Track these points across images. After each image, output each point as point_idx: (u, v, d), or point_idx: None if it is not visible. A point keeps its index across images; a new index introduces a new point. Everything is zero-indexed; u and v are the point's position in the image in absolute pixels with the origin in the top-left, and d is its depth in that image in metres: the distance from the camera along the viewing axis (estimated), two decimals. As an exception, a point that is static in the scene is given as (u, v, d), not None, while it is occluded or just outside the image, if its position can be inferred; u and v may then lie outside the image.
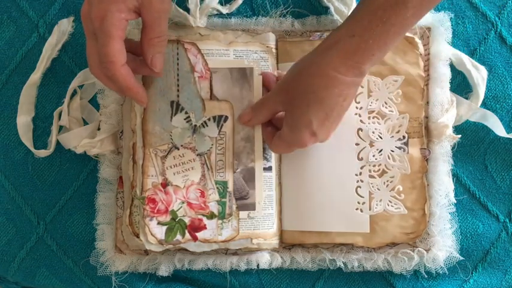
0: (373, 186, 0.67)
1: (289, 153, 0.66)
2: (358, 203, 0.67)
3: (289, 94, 0.59)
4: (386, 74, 0.67)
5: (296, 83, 0.59)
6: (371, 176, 0.67)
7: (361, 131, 0.68)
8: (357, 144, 0.68)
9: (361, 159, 0.67)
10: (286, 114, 0.61)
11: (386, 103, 0.67)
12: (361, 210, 0.67)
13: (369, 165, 0.67)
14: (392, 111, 0.67)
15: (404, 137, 0.67)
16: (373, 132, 0.67)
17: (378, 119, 0.68)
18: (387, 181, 0.67)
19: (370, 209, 0.67)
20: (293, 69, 0.60)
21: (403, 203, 0.67)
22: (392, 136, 0.67)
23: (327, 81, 0.56)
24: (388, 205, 0.67)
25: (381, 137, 0.67)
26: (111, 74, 0.57)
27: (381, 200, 0.67)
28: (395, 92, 0.67)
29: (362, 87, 0.68)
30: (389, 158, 0.67)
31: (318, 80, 0.56)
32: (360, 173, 0.67)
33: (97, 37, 0.56)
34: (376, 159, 0.67)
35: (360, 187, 0.67)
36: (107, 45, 0.55)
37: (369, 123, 0.68)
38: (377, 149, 0.67)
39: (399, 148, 0.67)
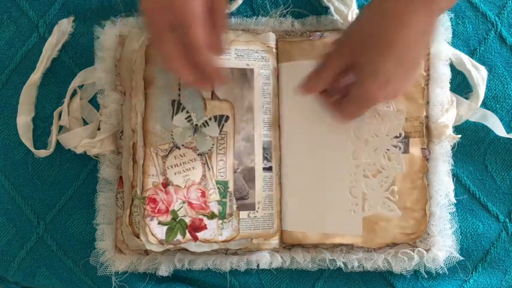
0: (367, 187, 0.67)
1: (358, 117, 0.64)
2: (352, 204, 0.67)
3: (356, 41, 0.57)
4: None
5: (363, 26, 0.57)
6: (365, 176, 0.67)
7: (357, 129, 0.67)
8: (351, 142, 0.67)
9: (356, 158, 0.67)
10: (355, 67, 0.58)
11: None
12: (354, 212, 0.67)
13: (364, 164, 0.67)
14: (389, 107, 0.67)
15: (400, 134, 0.67)
16: (369, 130, 0.67)
17: (375, 116, 0.67)
18: (382, 181, 0.67)
19: (363, 210, 0.67)
20: (358, 16, 0.58)
21: (403, 203, 0.67)
22: (388, 134, 0.67)
23: (400, 21, 0.54)
24: (382, 207, 0.66)
25: (376, 135, 0.67)
26: (204, 58, 0.57)
27: (374, 202, 0.66)
28: None
29: None
30: (384, 157, 0.67)
31: (389, 20, 0.54)
32: (354, 173, 0.67)
33: (179, 27, 0.56)
34: (371, 158, 0.67)
35: (354, 187, 0.67)
36: (196, 31, 0.56)
37: (365, 121, 0.67)
38: (372, 148, 0.67)
39: (395, 146, 0.67)
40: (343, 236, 0.67)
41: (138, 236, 0.65)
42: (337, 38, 0.61)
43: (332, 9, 0.69)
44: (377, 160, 0.67)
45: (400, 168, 0.66)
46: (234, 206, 0.67)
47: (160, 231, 0.65)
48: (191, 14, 0.55)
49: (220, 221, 0.66)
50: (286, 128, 0.69)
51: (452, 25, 0.70)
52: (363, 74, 0.58)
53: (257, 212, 0.67)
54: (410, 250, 0.67)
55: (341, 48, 0.60)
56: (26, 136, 0.71)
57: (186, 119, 0.66)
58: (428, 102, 0.68)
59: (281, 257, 0.68)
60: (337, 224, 0.67)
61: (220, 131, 0.67)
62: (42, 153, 0.70)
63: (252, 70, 0.68)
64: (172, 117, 0.66)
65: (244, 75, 0.68)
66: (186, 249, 0.67)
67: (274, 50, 0.69)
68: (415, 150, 0.67)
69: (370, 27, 0.56)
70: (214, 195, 0.66)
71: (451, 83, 0.69)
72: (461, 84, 0.70)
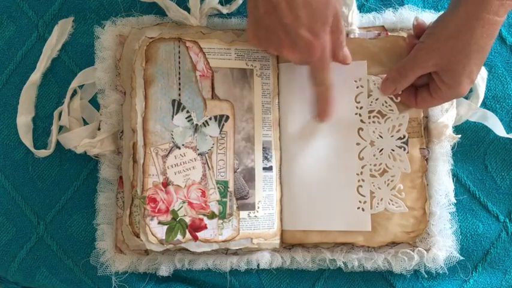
0: (374, 185, 0.67)
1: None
2: (360, 202, 0.67)
3: (445, 52, 0.60)
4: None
5: (453, 39, 0.60)
6: (372, 175, 0.67)
7: (362, 130, 0.68)
8: (357, 143, 0.68)
9: (362, 158, 0.68)
10: (440, 73, 0.61)
11: (386, 102, 0.68)
12: (363, 209, 0.67)
13: (370, 164, 0.67)
14: (392, 110, 0.67)
15: (404, 136, 0.67)
16: (374, 132, 0.67)
17: (378, 118, 0.68)
18: (388, 180, 0.67)
19: (371, 208, 0.67)
20: (443, 27, 0.61)
21: (404, 201, 0.67)
22: (393, 135, 0.67)
23: (488, 28, 0.58)
24: (390, 204, 0.67)
25: (381, 137, 0.67)
26: (344, 53, 0.64)
27: (382, 199, 0.67)
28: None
29: (362, 86, 0.68)
30: (389, 158, 0.67)
31: (480, 30, 0.58)
32: (361, 173, 0.67)
33: (332, 30, 0.60)
34: (376, 158, 0.67)
35: (361, 186, 0.67)
36: (342, 32, 0.61)
37: (369, 123, 0.68)
38: (377, 149, 0.67)
39: (400, 147, 0.67)
40: (345, 235, 0.67)
41: (138, 236, 0.65)
42: (422, 45, 0.62)
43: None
44: (383, 160, 0.67)
45: (406, 167, 0.67)
46: (234, 206, 0.67)
47: (161, 231, 0.65)
48: (340, 16, 0.60)
49: (221, 221, 0.66)
50: (286, 128, 0.69)
51: (452, 25, 0.70)
52: (451, 82, 0.61)
53: (257, 211, 0.67)
54: (411, 250, 0.67)
55: (427, 57, 0.62)
56: (26, 136, 0.71)
57: (186, 118, 0.66)
58: (428, 102, 0.69)
59: (281, 257, 0.68)
60: (345, 222, 0.67)
61: (221, 130, 0.67)
62: (42, 153, 0.70)
63: (252, 70, 0.68)
64: (173, 117, 0.66)
65: (244, 75, 0.68)
66: (186, 249, 0.67)
67: (274, 50, 0.69)
68: (414, 150, 0.67)
69: (458, 39, 0.60)
70: (214, 195, 0.66)
71: (451, 83, 0.69)
72: (461, 84, 0.70)
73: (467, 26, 0.59)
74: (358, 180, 0.68)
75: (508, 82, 0.71)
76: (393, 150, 0.67)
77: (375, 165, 0.68)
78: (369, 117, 0.68)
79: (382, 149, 0.67)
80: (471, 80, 0.61)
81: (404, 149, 0.67)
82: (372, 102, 0.68)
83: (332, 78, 0.63)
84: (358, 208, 0.67)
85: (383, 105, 0.68)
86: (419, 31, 0.65)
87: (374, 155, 0.67)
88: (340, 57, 0.63)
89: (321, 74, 0.63)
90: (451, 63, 0.60)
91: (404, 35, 0.69)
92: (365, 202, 0.67)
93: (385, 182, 0.67)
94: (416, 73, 0.63)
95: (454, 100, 0.69)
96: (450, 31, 0.60)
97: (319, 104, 0.66)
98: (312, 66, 0.63)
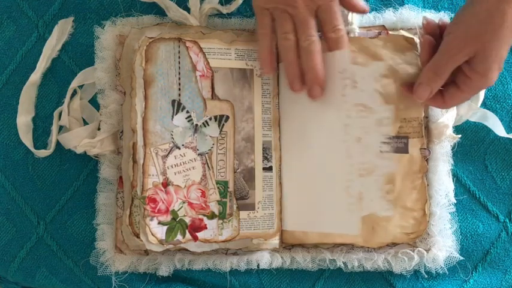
0: (363, 186, 0.67)
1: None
2: (349, 203, 0.67)
3: (479, 37, 0.60)
4: (386, 74, 0.67)
5: (486, 24, 0.59)
6: (361, 175, 0.67)
7: (348, 126, 0.67)
8: (345, 141, 0.67)
9: (350, 157, 0.67)
10: (473, 61, 0.61)
11: (372, 95, 0.67)
12: (351, 211, 0.67)
13: (357, 163, 0.67)
14: (377, 103, 0.67)
15: (399, 136, 0.67)
16: (359, 128, 0.67)
17: (364, 111, 0.67)
18: (376, 180, 0.67)
19: (360, 210, 0.67)
20: (472, 14, 0.61)
21: (403, 202, 0.67)
22: (379, 131, 0.67)
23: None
24: (378, 206, 0.66)
25: (367, 132, 0.67)
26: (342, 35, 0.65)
27: (371, 200, 0.66)
28: (380, 80, 0.67)
29: (348, 78, 0.67)
30: (376, 156, 0.67)
31: (511, 13, 0.58)
32: (350, 172, 0.67)
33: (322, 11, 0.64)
34: (363, 157, 0.67)
35: (350, 187, 0.67)
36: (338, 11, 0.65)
37: (355, 117, 0.67)
38: (364, 146, 0.67)
39: (387, 143, 0.66)
40: (343, 236, 0.67)
41: (138, 236, 0.65)
42: (456, 36, 0.61)
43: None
44: (369, 159, 0.67)
45: (393, 166, 0.66)
46: (234, 206, 0.67)
47: (160, 231, 0.65)
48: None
49: (220, 221, 0.66)
50: (286, 128, 0.69)
51: (452, 25, 0.70)
52: (484, 69, 0.60)
53: (257, 212, 0.67)
54: (411, 250, 0.67)
55: (463, 48, 0.61)
56: (26, 136, 0.71)
57: (186, 119, 0.66)
58: (428, 103, 0.68)
59: (281, 257, 0.68)
60: (335, 224, 0.67)
61: (221, 131, 0.67)
62: (42, 153, 0.70)
63: (252, 70, 0.68)
64: (173, 117, 0.66)
65: (244, 75, 0.68)
66: (186, 249, 0.67)
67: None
68: (414, 150, 0.67)
69: (492, 24, 0.59)
70: (214, 195, 0.66)
71: (451, 83, 0.69)
72: (461, 84, 0.70)
73: (499, 10, 0.58)
74: (347, 181, 0.67)
75: (508, 82, 0.71)
76: (380, 147, 0.67)
77: (362, 164, 0.67)
78: (355, 111, 0.67)
79: (368, 147, 0.66)
80: (500, 66, 0.61)
81: (393, 146, 0.66)
82: (357, 94, 0.67)
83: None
84: (347, 210, 0.67)
85: (369, 97, 0.66)
86: (431, 29, 0.64)
87: (361, 153, 0.67)
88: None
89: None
90: (486, 49, 0.60)
91: (406, 34, 0.69)
92: (353, 203, 0.67)
93: (374, 181, 0.66)
94: (451, 66, 0.62)
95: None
96: (481, 17, 0.59)
97: (307, 74, 0.65)
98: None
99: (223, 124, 0.67)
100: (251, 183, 0.67)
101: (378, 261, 0.67)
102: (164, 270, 0.68)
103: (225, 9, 0.70)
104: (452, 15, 0.70)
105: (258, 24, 0.66)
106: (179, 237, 0.65)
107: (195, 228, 0.65)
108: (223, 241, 0.66)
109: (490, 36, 0.59)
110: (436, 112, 0.68)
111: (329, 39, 0.65)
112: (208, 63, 0.67)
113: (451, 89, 0.63)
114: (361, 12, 0.67)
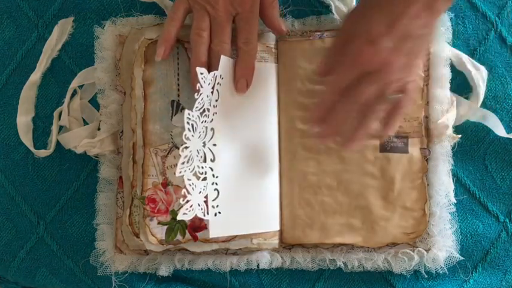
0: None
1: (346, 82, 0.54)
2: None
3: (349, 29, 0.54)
4: None
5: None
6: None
7: None
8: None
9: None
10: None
11: None
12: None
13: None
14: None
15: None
16: None
17: None
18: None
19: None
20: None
21: (403, 202, 0.67)
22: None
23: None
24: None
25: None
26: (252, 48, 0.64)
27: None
28: None
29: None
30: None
31: None
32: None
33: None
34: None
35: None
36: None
37: None
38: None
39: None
40: (343, 236, 0.67)
41: (138, 236, 0.65)
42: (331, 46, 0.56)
43: (333, 7, 0.69)
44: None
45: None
46: (234, 206, 0.66)
47: (160, 231, 0.65)
48: None
49: (220, 221, 0.66)
50: (279, 126, 0.69)
51: (452, 25, 0.69)
52: (345, 39, 0.54)
53: (257, 212, 0.67)
54: (411, 250, 0.67)
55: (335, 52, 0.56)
56: (26, 136, 0.71)
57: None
58: (428, 103, 0.68)
59: (281, 257, 0.68)
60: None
61: (220, 131, 0.67)
62: (42, 153, 0.70)
63: (252, 70, 0.68)
64: (172, 117, 0.66)
65: (244, 75, 0.68)
66: (186, 249, 0.67)
67: (273, 50, 0.69)
68: (414, 150, 0.67)
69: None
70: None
71: (451, 83, 0.69)
72: (461, 84, 0.70)
73: None
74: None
75: (508, 82, 0.71)
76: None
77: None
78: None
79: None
80: (368, 37, 0.52)
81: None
82: None
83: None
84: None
85: None
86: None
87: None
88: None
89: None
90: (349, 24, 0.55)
91: None
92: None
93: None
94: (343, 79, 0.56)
95: (455, 100, 0.68)
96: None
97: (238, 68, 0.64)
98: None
99: (223, 124, 0.67)
100: (251, 183, 0.67)
101: (377, 261, 0.67)
102: (164, 270, 0.68)
103: (224, 9, 0.70)
104: (452, 15, 0.70)
105: (172, 7, 0.64)
106: (179, 237, 0.65)
107: (195, 228, 0.65)
108: (223, 241, 0.66)
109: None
110: (436, 112, 0.68)
111: (239, 48, 0.64)
112: (207, 63, 0.67)
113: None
114: (278, 33, 0.66)
